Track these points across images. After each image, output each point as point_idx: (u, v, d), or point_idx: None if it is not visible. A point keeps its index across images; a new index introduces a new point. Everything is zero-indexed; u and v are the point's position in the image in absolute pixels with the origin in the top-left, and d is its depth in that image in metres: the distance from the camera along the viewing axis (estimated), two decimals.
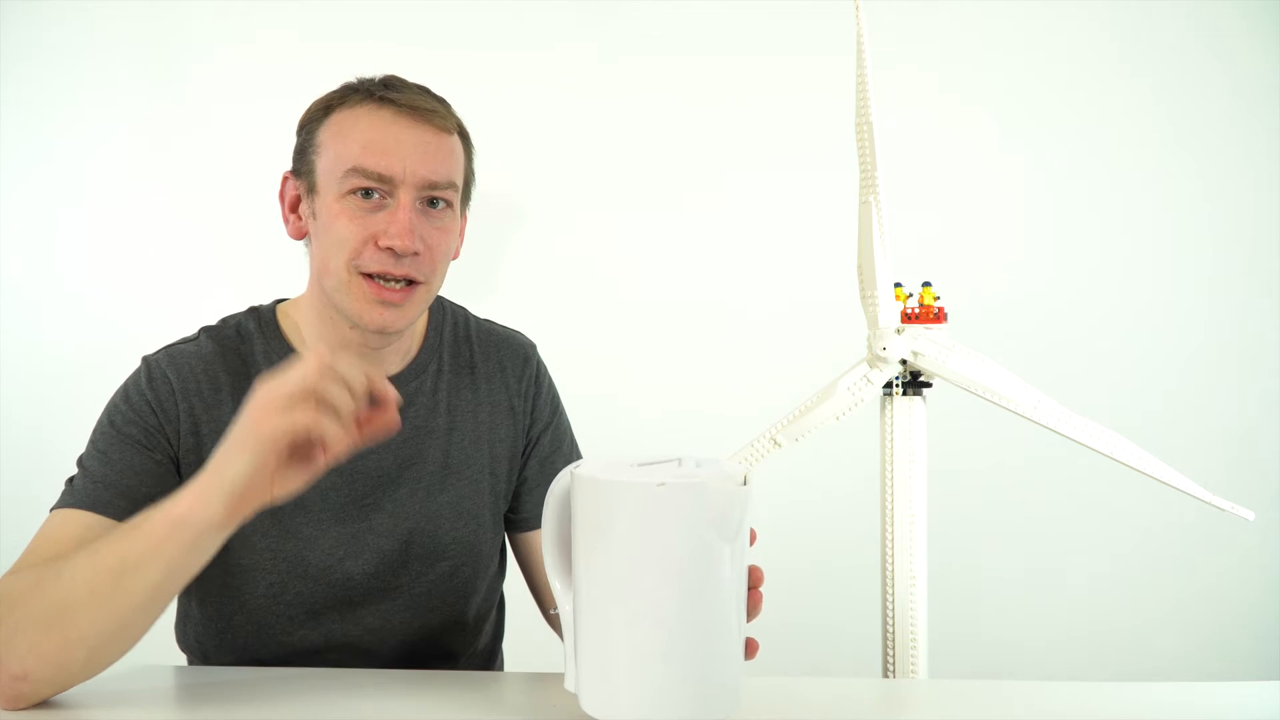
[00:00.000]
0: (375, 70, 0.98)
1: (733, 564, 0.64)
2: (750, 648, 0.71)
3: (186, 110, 2.25)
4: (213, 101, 2.25)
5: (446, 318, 1.09)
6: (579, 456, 1.16)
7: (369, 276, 0.91)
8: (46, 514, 0.89)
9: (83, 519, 0.87)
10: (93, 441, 0.93)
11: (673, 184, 2.20)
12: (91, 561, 0.74)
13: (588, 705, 0.68)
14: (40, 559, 0.82)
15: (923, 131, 2.12)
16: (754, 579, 0.71)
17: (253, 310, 1.03)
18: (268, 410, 0.70)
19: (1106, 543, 2.12)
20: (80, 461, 0.92)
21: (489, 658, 1.16)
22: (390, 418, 0.74)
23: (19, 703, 0.75)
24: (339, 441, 0.71)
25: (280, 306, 1.04)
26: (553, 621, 0.99)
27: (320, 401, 0.70)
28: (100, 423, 0.94)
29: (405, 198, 0.91)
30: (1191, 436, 2.01)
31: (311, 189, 0.94)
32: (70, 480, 0.92)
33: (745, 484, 0.65)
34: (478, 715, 0.78)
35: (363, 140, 0.91)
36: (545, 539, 0.70)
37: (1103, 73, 2.13)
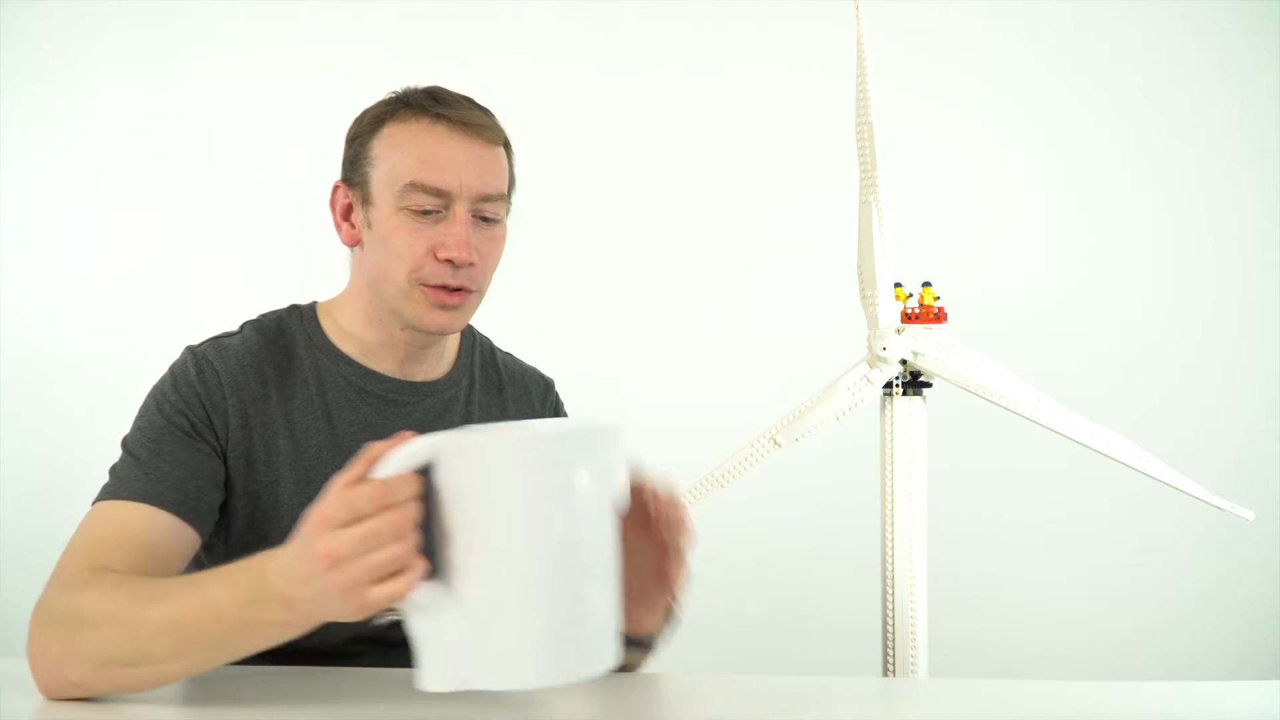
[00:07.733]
0: (413, 80, 1.00)
1: (597, 510, 0.62)
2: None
3: (192, 111, 2.25)
4: (219, 103, 2.25)
5: (476, 343, 1.14)
6: None
7: (427, 285, 0.96)
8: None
9: (140, 513, 0.86)
10: (140, 429, 0.92)
11: (672, 183, 2.21)
12: (174, 630, 0.73)
13: (445, 680, 0.64)
14: (104, 558, 0.81)
15: (922, 132, 2.12)
16: (672, 532, 0.72)
17: (294, 308, 1.06)
18: (347, 589, 0.63)
19: (1106, 542, 2.12)
20: (128, 447, 0.91)
21: None
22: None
23: (59, 696, 0.77)
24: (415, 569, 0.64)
25: (321, 305, 1.06)
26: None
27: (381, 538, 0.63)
28: (147, 408, 0.93)
29: (460, 210, 0.96)
30: (1192, 436, 2.01)
31: (366, 199, 0.99)
32: (115, 467, 0.91)
33: (613, 431, 0.64)
34: (476, 714, 0.78)
35: (419, 155, 0.95)
36: None
37: (1101, 72, 2.13)
